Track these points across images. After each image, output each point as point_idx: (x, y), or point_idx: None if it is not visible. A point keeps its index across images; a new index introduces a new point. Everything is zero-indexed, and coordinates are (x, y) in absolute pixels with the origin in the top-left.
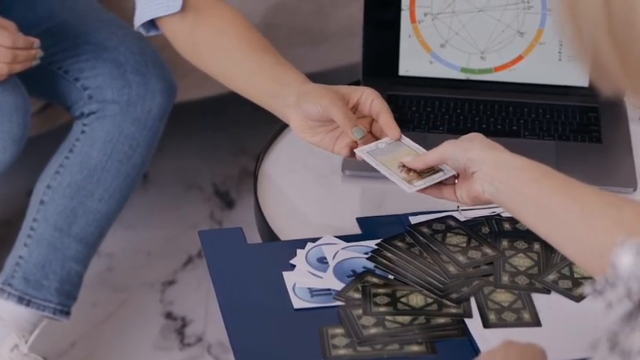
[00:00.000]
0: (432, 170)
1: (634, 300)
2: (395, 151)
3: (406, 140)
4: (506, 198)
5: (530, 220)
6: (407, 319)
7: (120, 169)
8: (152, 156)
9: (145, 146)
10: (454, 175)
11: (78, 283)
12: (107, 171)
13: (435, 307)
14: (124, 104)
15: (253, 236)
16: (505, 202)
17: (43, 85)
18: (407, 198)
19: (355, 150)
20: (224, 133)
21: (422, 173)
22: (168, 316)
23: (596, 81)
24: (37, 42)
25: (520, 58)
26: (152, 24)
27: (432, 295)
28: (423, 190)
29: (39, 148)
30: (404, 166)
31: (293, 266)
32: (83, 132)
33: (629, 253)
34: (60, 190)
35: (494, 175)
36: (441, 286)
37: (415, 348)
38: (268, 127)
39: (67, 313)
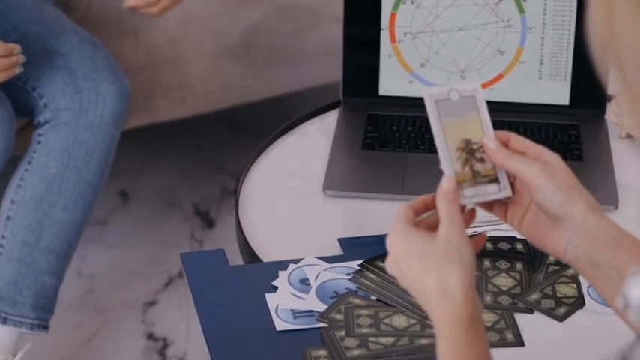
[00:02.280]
0: (489, 174)
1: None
2: (463, 115)
3: (480, 100)
4: (598, 271)
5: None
6: (390, 340)
7: (79, 177)
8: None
9: (102, 152)
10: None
11: (53, 295)
12: (67, 180)
13: (418, 327)
14: (75, 110)
15: (234, 256)
16: (592, 275)
17: (7, 97)
18: (388, 218)
19: (424, 92)
20: (203, 153)
21: (476, 175)
22: (150, 336)
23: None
24: (18, 48)
25: (500, 76)
26: None
27: (414, 315)
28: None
29: (13, 169)
30: (466, 144)
31: (275, 288)
32: (39, 142)
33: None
34: (24, 204)
35: (591, 246)
36: None
37: None
38: (248, 147)
39: (46, 327)
